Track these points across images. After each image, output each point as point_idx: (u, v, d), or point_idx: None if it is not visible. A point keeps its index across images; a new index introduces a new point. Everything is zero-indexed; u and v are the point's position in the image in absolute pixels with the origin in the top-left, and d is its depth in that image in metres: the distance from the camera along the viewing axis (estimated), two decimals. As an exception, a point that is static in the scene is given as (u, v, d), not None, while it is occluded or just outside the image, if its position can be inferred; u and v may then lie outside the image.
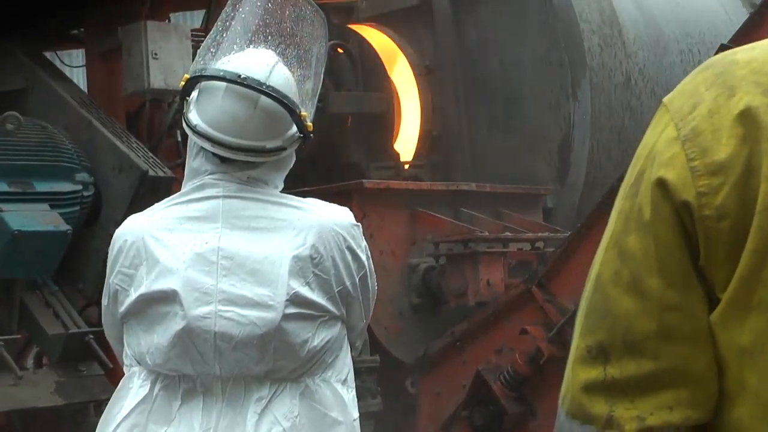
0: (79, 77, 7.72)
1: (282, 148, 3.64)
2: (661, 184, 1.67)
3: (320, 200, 3.78)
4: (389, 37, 8.73)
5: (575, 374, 1.77)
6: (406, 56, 8.66)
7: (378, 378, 7.40)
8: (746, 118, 1.62)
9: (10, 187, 6.23)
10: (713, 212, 1.63)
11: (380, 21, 8.81)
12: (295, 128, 3.64)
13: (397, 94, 8.59)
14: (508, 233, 7.73)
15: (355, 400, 3.75)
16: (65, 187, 6.42)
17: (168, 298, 3.56)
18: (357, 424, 3.71)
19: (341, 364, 3.71)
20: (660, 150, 1.70)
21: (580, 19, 8.41)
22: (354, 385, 3.77)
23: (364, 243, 3.76)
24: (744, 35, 6.43)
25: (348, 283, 3.67)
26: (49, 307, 6.39)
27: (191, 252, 3.58)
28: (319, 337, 3.63)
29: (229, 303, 3.55)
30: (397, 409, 7.63)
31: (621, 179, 5.81)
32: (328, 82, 8.26)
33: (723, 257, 1.63)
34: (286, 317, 3.55)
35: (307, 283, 3.58)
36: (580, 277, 6.39)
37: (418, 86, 8.61)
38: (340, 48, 8.51)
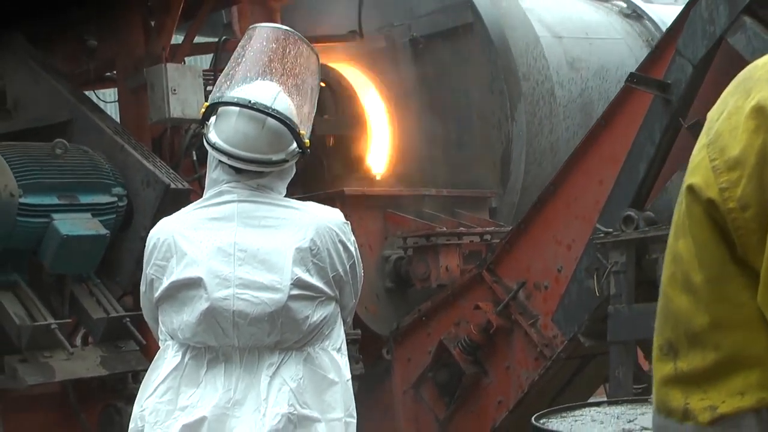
0: (113, 110, 7.68)
1: (285, 161, 3.66)
2: (691, 189, 1.58)
3: (316, 203, 3.77)
4: (361, 72, 8.71)
5: (656, 371, 1.65)
6: (375, 88, 8.64)
7: (360, 348, 7.39)
8: (758, 111, 1.52)
9: (59, 200, 6.23)
10: (736, 204, 1.52)
11: (354, 59, 8.79)
12: (295, 144, 3.65)
13: (367, 118, 8.57)
14: (462, 228, 7.74)
15: (348, 364, 3.75)
16: (104, 199, 6.41)
17: (194, 284, 3.56)
18: (350, 383, 3.72)
19: (336, 335, 3.72)
20: (692, 158, 1.61)
21: (516, 56, 8.42)
22: (347, 352, 3.77)
23: (353, 237, 3.76)
24: (647, 65, 6.43)
25: (340, 270, 3.67)
26: (93, 296, 6.38)
27: (212, 246, 3.58)
28: (318, 313, 3.62)
29: (244, 287, 3.55)
30: (375, 372, 7.62)
31: (553, 184, 5.74)
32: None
33: (755, 244, 1.52)
34: (291, 298, 3.55)
35: (308, 270, 3.58)
36: (521, 262, 6.36)
37: (386, 112, 8.60)
38: (322, 82, 8.46)
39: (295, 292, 3.55)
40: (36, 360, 6.01)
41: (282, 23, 8.84)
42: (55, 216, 6.15)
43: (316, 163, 8.31)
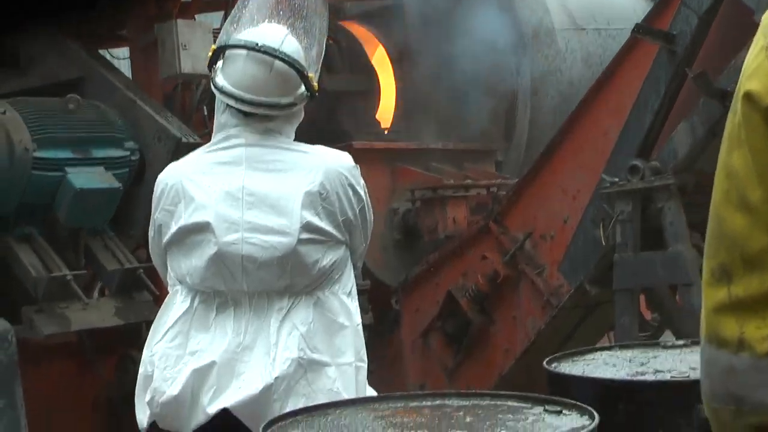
0: (125, 67, 7.50)
1: (293, 104, 3.46)
2: (748, 96, 1.39)
3: (325, 147, 3.57)
4: (369, 30, 8.50)
5: (706, 298, 1.46)
6: (383, 45, 8.43)
7: (369, 298, 7.23)
8: None
9: (73, 154, 6.09)
10: None
11: (362, 18, 8.58)
12: (303, 87, 3.44)
13: (377, 74, 8.38)
14: (468, 181, 7.55)
15: (358, 309, 3.57)
16: (116, 153, 6.27)
17: (203, 228, 3.36)
18: (360, 328, 3.54)
19: (346, 279, 3.52)
20: (748, 64, 1.44)
21: (522, 10, 8.20)
22: (357, 297, 3.57)
23: (362, 181, 3.57)
24: (652, 17, 6.22)
25: (350, 214, 3.47)
26: (108, 249, 6.24)
27: (221, 191, 3.39)
28: (328, 257, 3.43)
29: (253, 231, 3.35)
30: (385, 322, 7.46)
31: (559, 135, 5.54)
32: (322, 66, 8.06)
33: None
34: (301, 242, 3.35)
35: (317, 214, 3.38)
36: (527, 213, 6.16)
37: (393, 68, 8.40)
38: (331, 39, 8.27)
39: (304, 236, 3.36)
40: (52, 311, 5.89)
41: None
42: (68, 170, 6.01)
43: (326, 119, 8.13)
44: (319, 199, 3.39)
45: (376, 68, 8.39)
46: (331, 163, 3.47)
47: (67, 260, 6.11)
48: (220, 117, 3.48)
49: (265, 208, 3.36)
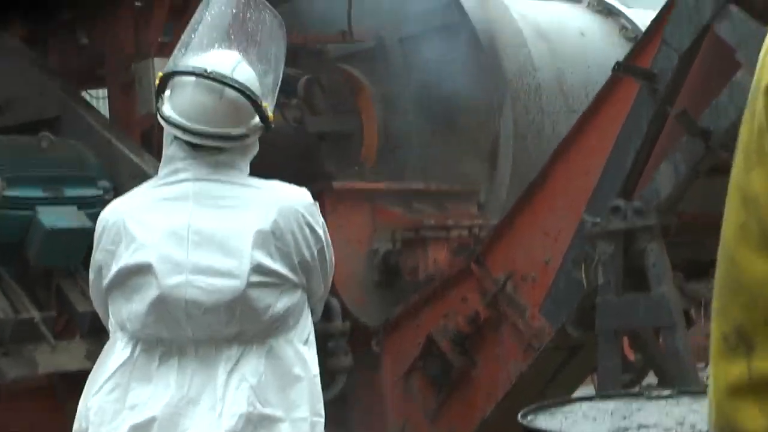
0: (103, 107, 7.16)
1: (246, 135, 3.04)
2: None
3: (282, 182, 3.16)
4: (353, 72, 8.12)
5: (716, 375, 1.02)
6: (366, 88, 8.04)
7: (349, 340, 6.82)
8: None
9: (44, 193, 5.73)
10: None
11: (346, 59, 8.20)
12: (257, 118, 3.02)
13: (360, 116, 7.99)
14: (450, 222, 7.15)
15: (316, 358, 3.13)
16: (90, 192, 5.89)
17: (144, 270, 2.94)
18: (317, 379, 3.09)
19: (302, 326, 3.09)
20: (763, 55, 1.04)
21: (503, 53, 7.83)
22: (315, 345, 3.15)
23: (321, 219, 3.14)
24: (633, 55, 5.85)
25: (307, 255, 3.04)
26: (80, 290, 5.79)
27: (165, 229, 2.97)
28: (282, 302, 3.00)
29: (198, 273, 2.93)
30: (365, 364, 7.03)
31: (540, 175, 5.09)
32: (305, 108, 7.73)
33: None
34: (251, 285, 2.93)
35: (270, 255, 2.95)
36: (508, 255, 5.74)
37: (376, 110, 8.01)
38: (315, 81, 7.91)
39: (255, 278, 2.94)
40: (19, 353, 5.47)
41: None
42: (39, 209, 5.66)
43: (308, 160, 7.75)
44: (272, 239, 2.98)
45: (360, 109, 8.00)
46: (286, 200, 3.06)
47: (39, 301, 5.72)
48: (168, 149, 3.08)
49: (213, 248, 2.95)
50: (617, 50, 8.82)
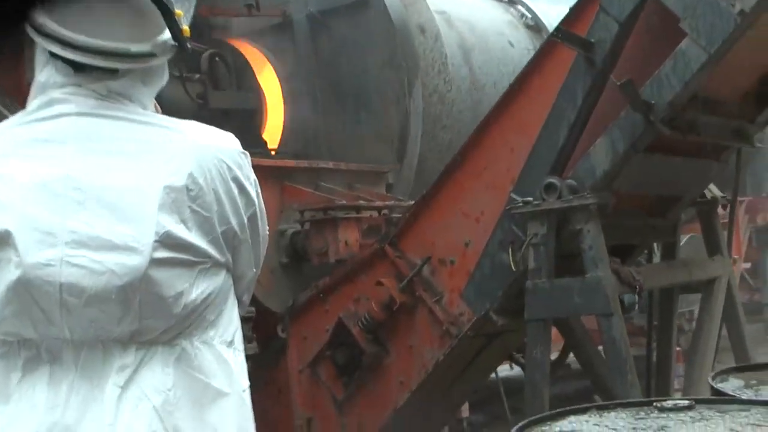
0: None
1: (151, 54, 1.96)
2: None
3: (201, 123, 2.09)
4: (258, 49, 7.04)
5: None
6: (271, 64, 6.98)
7: (253, 326, 5.75)
8: None
9: None
10: None
11: (251, 36, 7.12)
12: (167, 32, 1.94)
13: (264, 94, 6.92)
14: (361, 202, 6.12)
15: (245, 365, 2.07)
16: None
17: (0, 240, 1.82)
18: (247, 395, 2.03)
19: (226, 321, 2.04)
20: None
21: (413, 33, 6.84)
22: (243, 347, 2.08)
23: (253, 176, 2.09)
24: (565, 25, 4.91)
25: (234, 223, 2.00)
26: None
27: (32, 182, 1.86)
28: (199, 288, 1.94)
29: (79, 246, 1.84)
30: (270, 351, 5.98)
31: (460, 153, 4.13)
32: (209, 83, 6.64)
33: None
34: (156, 263, 1.86)
35: (183, 221, 1.89)
36: (425, 237, 4.74)
37: (281, 88, 6.95)
38: (218, 56, 6.82)
39: (161, 254, 1.89)
40: None
41: (176, -4, 7.22)
42: None
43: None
44: (186, 198, 1.93)
45: (263, 87, 6.93)
46: (207, 146, 2.01)
47: None
48: (40, 74, 2.00)
49: (101, 211, 1.89)
50: (520, 37, 8.01)
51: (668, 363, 5.75)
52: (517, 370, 6.37)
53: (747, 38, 4.60)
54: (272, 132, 6.96)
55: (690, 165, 5.42)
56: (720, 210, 5.94)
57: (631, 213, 5.25)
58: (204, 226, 1.94)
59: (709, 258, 5.79)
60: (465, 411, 7.86)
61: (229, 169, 2.01)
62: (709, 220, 5.83)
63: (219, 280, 2.00)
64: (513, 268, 4.86)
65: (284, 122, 6.93)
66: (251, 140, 6.85)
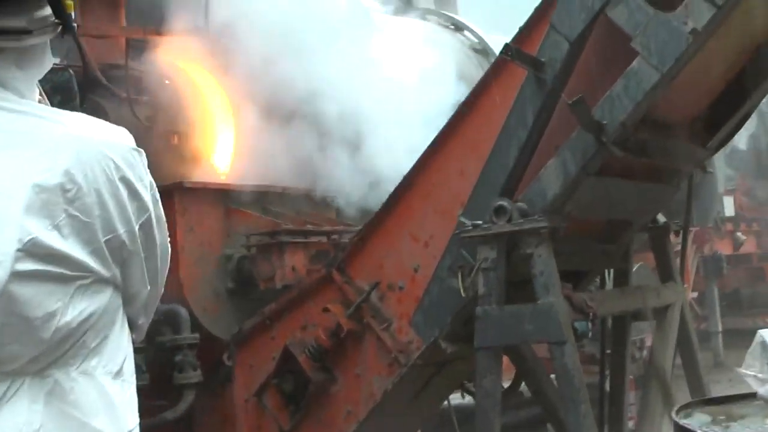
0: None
1: (26, 31, 1.58)
2: None
3: (88, 116, 1.72)
4: (207, 69, 6.68)
5: None
6: (220, 85, 6.62)
7: (198, 353, 5.38)
8: None
9: None
10: None
11: (200, 57, 6.75)
12: (48, 7, 1.58)
13: (211, 116, 6.56)
14: (309, 226, 5.77)
15: (135, 400, 1.68)
16: None
17: None
18: None
19: (113, 348, 1.65)
20: None
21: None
22: (134, 378, 1.70)
23: (149, 177, 1.72)
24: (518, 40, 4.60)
25: (122, 231, 1.63)
26: None
27: None
28: (77, 308, 1.57)
29: None
30: (215, 380, 5.58)
31: (408, 177, 3.74)
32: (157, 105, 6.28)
33: None
34: (19, 277, 1.49)
35: (56, 227, 1.52)
36: (373, 262, 4.34)
37: (231, 110, 6.59)
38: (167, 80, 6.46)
39: (26, 266, 1.53)
40: None
41: (127, 17, 6.86)
42: None
43: (158, 160, 6.28)
44: (61, 200, 1.57)
45: (212, 108, 6.57)
46: (90, 139, 1.64)
47: None
48: None
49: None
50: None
51: (621, 391, 5.43)
52: (469, 399, 6.02)
53: (697, 60, 4.33)
54: (221, 154, 6.60)
55: (642, 189, 5.13)
56: (672, 237, 5.65)
57: (582, 238, 4.94)
58: (83, 233, 1.59)
59: (662, 284, 5.49)
60: (418, 439, 7.48)
61: (117, 167, 1.65)
62: (662, 246, 5.53)
63: (103, 299, 1.64)
64: (462, 293, 4.53)
65: (233, 145, 6.56)
66: (197, 163, 6.49)
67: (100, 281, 1.64)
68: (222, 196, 5.71)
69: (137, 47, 6.47)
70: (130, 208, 1.66)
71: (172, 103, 6.45)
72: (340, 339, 5.10)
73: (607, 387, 5.50)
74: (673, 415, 2.50)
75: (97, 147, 1.63)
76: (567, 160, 4.32)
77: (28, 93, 1.67)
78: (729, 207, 16.12)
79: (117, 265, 1.66)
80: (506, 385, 5.53)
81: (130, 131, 5.89)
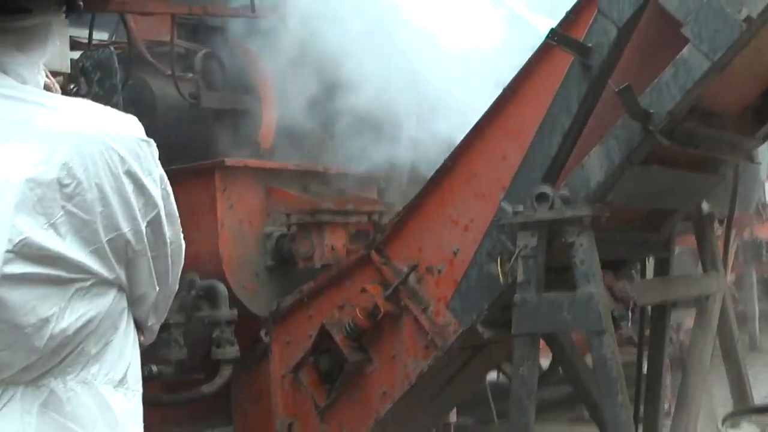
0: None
1: (26, 10, 1.41)
2: None
3: (93, 103, 1.54)
4: (252, 49, 6.51)
5: None
6: (265, 63, 6.44)
7: (236, 330, 5.24)
8: None
9: None
10: None
11: (246, 36, 6.59)
12: None
13: (259, 95, 6.39)
14: (350, 206, 5.59)
15: (139, 409, 1.51)
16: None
17: None
18: None
19: (115, 355, 1.48)
20: None
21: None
22: (140, 386, 1.53)
23: (159, 170, 1.52)
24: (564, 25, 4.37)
25: (127, 229, 1.44)
26: None
27: None
28: (74, 314, 1.40)
29: None
30: (252, 355, 5.44)
31: (451, 159, 3.56)
32: (202, 83, 6.12)
33: None
34: (9, 280, 1.32)
35: (52, 225, 1.35)
36: (412, 244, 4.11)
37: (275, 90, 6.41)
38: (213, 56, 6.31)
39: (17, 268, 1.37)
40: None
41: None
42: None
43: (203, 137, 6.15)
44: (58, 196, 1.41)
45: (259, 88, 6.41)
46: (92, 128, 1.47)
47: None
48: None
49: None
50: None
51: (659, 375, 5.20)
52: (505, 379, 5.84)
53: (749, 48, 4.08)
54: (265, 133, 6.43)
55: (686, 178, 4.90)
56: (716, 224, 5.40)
57: (623, 227, 4.72)
58: (83, 232, 1.42)
59: (704, 273, 5.25)
60: (453, 415, 7.32)
61: (122, 160, 1.48)
62: (705, 235, 5.29)
63: (105, 302, 1.48)
64: (501, 280, 4.34)
65: (277, 124, 6.40)
66: (244, 142, 6.35)
67: (102, 283, 1.47)
68: (263, 174, 5.55)
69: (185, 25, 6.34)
70: (136, 204, 1.49)
71: (217, 80, 6.31)
72: (376, 320, 4.94)
73: (644, 369, 5.30)
74: (720, 425, 2.31)
75: (100, 138, 1.46)
76: (612, 148, 4.10)
77: (31, 78, 1.51)
78: (771, 193, 15.73)
79: (121, 265, 1.50)
80: (545, 366, 5.36)
81: (174, 108, 5.73)
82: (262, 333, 5.44)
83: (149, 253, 1.53)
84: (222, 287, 5.21)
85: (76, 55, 5.18)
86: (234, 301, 5.26)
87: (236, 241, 5.32)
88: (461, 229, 4.77)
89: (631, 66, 4.23)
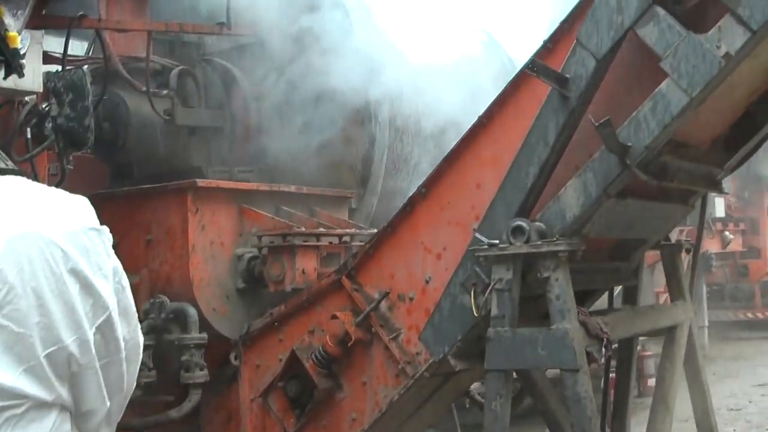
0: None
1: None
2: None
3: (31, 181, 1.23)
4: (227, 66, 6.19)
5: None
6: (240, 83, 6.13)
7: (206, 353, 4.92)
8: None
9: None
10: None
11: (222, 54, 6.27)
12: None
13: (232, 112, 6.08)
14: (321, 229, 5.29)
15: None
16: None
17: None
18: None
19: None
20: None
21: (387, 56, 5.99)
22: None
23: (112, 261, 1.21)
24: (542, 55, 4.10)
25: (70, 340, 1.13)
26: None
27: None
28: None
29: None
30: (222, 378, 5.12)
31: (425, 185, 3.20)
32: (177, 100, 5.79)
33: None
34: None
35: None
36: (384, 270, 3.75)
37: (250, 107, 6.09)
38: (188, 73, 5.98)
39: None
40: None
41: (151, 11, 6.36)
42: None
43: (178, 154, 5.83)
44: None
45: (233, 106, 6.09)
46: (29, 222, 1.16)
47: None
48: None
49: None
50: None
51: (625, 409, 4.96)
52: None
53: (725, 83, 3.85)
54: (238, 152, 6.11)
55: (658, 209, 4.66)
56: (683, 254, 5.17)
57: (594, 257, 4.46)
58: (16, 347, 1.11)
59: (672, 303, 5.01)
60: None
61: (65, 256, 1.16)
62: (674, 264, 5.06)
63: (42, 427, 1.18)
64: (475, 312, 4.06)
65: (249, 143, 6.08)
66: (217, 160, 6.03)
67: (39, 407, 1.16)
68: (235, 195, 5.23)
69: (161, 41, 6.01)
70: (82, 308, 1.18)
71: (193, 98, 5.98)
72: (347, 347, 4.65)
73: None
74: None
75: (38, 232, 1.15)
76: (588, 181, 3.85)
77: None
78: (720, 208, 15.65)
79: (63, 382, 1.19)
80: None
81: (149, 125, 5.39)
82: (232, 356, 5.12)
83: (98, 364, 1.23)
84: (192, 310, 4.88)
85: (53, 68, 4.85)
86: (204, 324, 4.94)
87: (207, 262, 5.00)
88: (434, 257, 4.48)
89: (608, 97, 3.97)
